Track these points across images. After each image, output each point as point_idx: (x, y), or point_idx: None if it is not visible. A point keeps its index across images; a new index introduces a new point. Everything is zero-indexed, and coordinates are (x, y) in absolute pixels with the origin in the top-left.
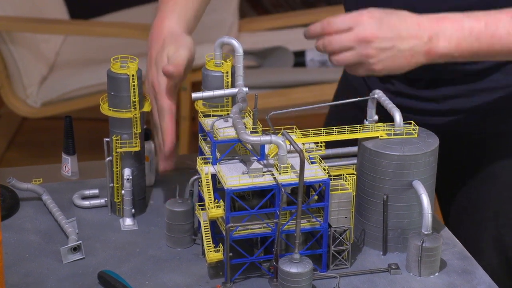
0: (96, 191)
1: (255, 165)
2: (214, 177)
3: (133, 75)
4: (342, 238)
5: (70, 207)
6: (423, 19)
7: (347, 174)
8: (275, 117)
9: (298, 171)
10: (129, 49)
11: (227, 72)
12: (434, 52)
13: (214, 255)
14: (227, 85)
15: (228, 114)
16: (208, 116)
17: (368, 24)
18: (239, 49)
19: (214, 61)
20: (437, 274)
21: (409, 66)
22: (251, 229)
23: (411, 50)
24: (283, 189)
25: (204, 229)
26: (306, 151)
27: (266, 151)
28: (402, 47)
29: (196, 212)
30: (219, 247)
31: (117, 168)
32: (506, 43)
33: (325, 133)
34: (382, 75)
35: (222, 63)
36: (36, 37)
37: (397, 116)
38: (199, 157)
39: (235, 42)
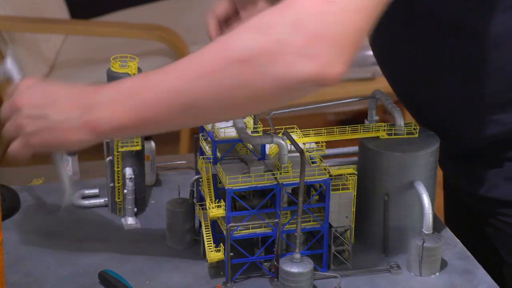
0: (96, 191)
1: (256, 164)
2: (215, 176)
3: (134, 74)
4: (343, 238)
5: (71, 207)
6: (90, 87)
7: (347, 174)
8: (275, 117)
9: (299, 171)
10: (129, 49)
11: None
12: (94, 125)
13: (214, 255)
14: None
15: None
16: None
17: (24, 90)
18: None
19: None
20: (437, 274)
21: (72, 143)
22: (252, 228)
23: (66, 122)
24: (284, 189)
25: (205, 229)
26: (307, 151)
27: (267, 151)
28: (57, 118)
29: (196, 212)
30: (219, 247)
31: (118, 167)
32: (160, 91)
33: (326, 133)
34: (43, 150)
35: None
36: (37, 37)
37: (397, 116)
38: (200, 156)
39: None
